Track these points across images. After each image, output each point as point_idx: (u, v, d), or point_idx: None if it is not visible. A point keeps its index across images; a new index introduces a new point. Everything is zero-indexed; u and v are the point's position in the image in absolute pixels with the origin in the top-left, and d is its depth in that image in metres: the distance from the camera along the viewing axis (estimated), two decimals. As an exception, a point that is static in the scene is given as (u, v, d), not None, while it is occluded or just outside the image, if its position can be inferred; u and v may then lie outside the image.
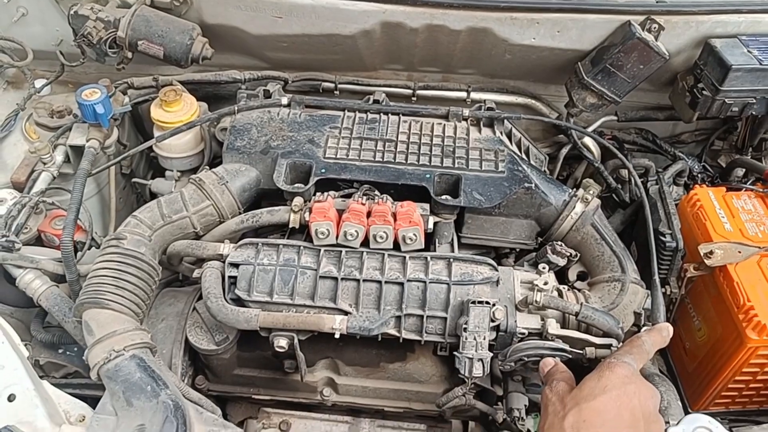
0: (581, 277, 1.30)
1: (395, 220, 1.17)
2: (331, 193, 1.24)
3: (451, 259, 1.17)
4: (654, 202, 1.44)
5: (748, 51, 1.41)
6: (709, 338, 1.37)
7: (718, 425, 1.07)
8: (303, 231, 1.25)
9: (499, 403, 1.26)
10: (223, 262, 1.19)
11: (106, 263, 1.17)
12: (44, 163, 1.44)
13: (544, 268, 1.21)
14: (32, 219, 1.41)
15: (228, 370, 1.30)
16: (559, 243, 1.24)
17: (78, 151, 1.46)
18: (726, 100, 1.42)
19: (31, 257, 1.27)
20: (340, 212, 1.20)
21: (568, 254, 1.24)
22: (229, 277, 1.17)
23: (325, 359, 1.29)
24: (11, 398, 1.10)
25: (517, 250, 1.37)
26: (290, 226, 1.23)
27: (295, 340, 1.14)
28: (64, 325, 1.23)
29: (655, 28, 1.42)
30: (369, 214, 1.18)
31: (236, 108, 1.37)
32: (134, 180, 1.56)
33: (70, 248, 1.25)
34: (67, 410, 1.13)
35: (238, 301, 1.16)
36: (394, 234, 1.17)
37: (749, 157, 1.60)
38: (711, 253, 1.32)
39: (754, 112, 1.45)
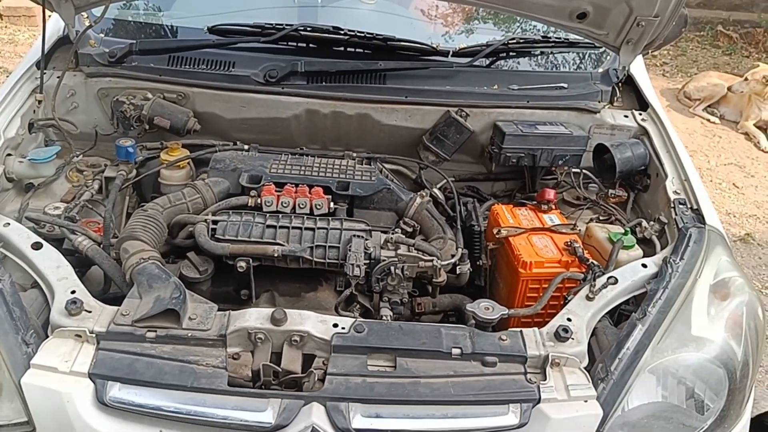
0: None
1: (311, 195, 2.05)
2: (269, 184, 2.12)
3: (343, 219, 2.03)
4: (471, 214, 2.36)
5: (517, 127, 2.45)
6: (506, 289, 2.22)
7: (495, 304, 1.90)
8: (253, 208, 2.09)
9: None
10: (207, 222, 2.00)
11: (136, 221, 1.96)
12: (86, 186, 2.25)
13: (397, 230, 2.08)
14: (75, 221, 2.19)
15: (203, 299, 2.04)
16: (405, 218, 2.13)
17: (109, 180, 2.29)
18: (507, 153, 2.42)
19: (83, 228, 2.04)
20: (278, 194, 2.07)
21: (413, 224, 2.13)
22: (211, 228, 1.98)
23: (265, 293, 2.05)
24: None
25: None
26: (249, 205, 2.08)
27: (251, 263, 1.93)
28: (101, 266, 1.97)
29: (463, 114, 2.46)
30: (296, 193, 2.06)
31: (217, 148, 2.28)
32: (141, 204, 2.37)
33: (109, 223, 2.04)
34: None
35: (217, 241, 1.96)
36: (310, 203, 2.03)
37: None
38: (499, 232, 2.23)
39: (525, 163, 2.45)
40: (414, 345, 1.72)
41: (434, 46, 2.63)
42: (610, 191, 2.45)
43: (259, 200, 2.08)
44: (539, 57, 2.80)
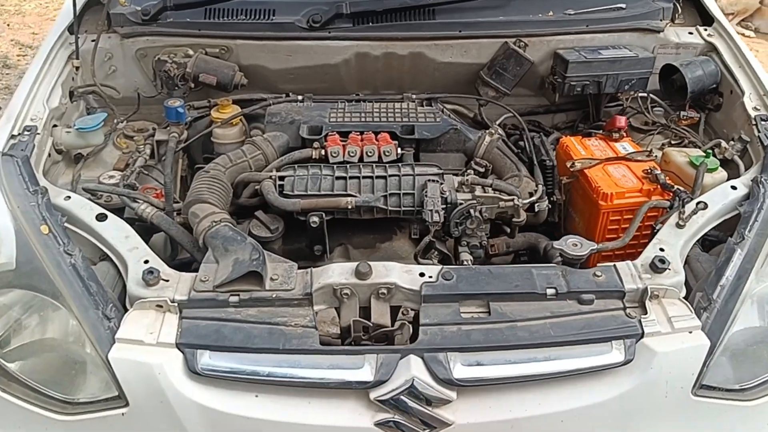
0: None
1: (379, 142, 1.95)
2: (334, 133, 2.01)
3: (413, 165, 1.93)
4: (539, 149, 2.25)
5: (579, 53, 2.31)
6: (583, 223, 2.13)
7: (583, 239, 1.82)
8: (318, 160, 2.00)
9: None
10: (273, 179, 1.91)
11: (200, 183, 1.87)
12: (139, 152, 2.16)
13: (470, 171, 1.98)
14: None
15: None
16: (476, 158, 2.03)
17: (160, 144, 2.20)
18: (571, 82, 2.29)
19: (145, 195, 1.96)
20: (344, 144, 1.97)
21: (485, 164, 2.02)
22: (279, 185, 1.89)
23: (339, 246, 1.98)
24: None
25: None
26: (313, 157, 1.98)
27: (324, 217, 1.85)
28: (168, 232, 1.90)
29: (522, 44, 2.32)
30: (362, 141, 1.96)
31: (269, 101, 2.17)
32: (196, 166, 2.27)
33: (171, 188, 1.96)
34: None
35: (286, 197, 1.88)
36: (378, 151, 1.94)
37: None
38: (573, 165, 2.12)
39: (590, 91, 2.33)
40: (506, 288, 1.65)
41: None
42: (682, 113, 2.32)
43: (323, 152, 1.98)
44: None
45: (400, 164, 1.93)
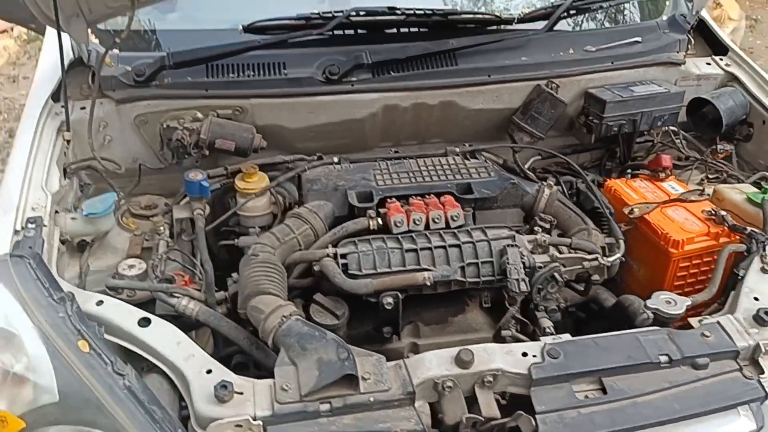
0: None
1: (444, 206, 1.77)
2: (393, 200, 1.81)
3: (484, 228, 1.77)
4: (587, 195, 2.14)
5: (614, 92, 2.23)
6: (646, 272, 2.03)
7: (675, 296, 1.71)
8: (376, 231, 1.79)
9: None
10: (333, 257, 1.70)
11: (254, 270, 1.63)
12: (158, 234, 1.88)
13: (538, 228, 1.84)
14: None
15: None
16: (540, 213, 1.89)
17: (182, 222, 1.93)
18: (608, 123, 2.21)
19: (184, 288, 1.70)
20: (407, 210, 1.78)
21: (549, 220, 1.89)
22: (342, 264, 1.68)
23: (409, 324, 1.78)
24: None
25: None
26: (371, 228, 1.78)
27: (399, 297, 1.65)
28: (219, 330, 1.64)
29: (554, 87, 2.22)
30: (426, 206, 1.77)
31: (306, 166, 1.95)
32: (222, 243, 2.01)
33: (212, 277, 1.70)
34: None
35: (352, 278, 1.66)
36: (444, 216, 1.76)
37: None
38: (631, 211, 2.03)
39: (626, 130, 2.25)
40: (619, 361, 1.52)
41: (497, 14, 2.36)
42: (719, 146, 2.28)
43: (380, 221, 1.78)
44: (597, 13, 2.58)
45: (469, 229, 1.77)
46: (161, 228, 1.89)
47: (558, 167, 2.41)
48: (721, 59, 2.46)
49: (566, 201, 1.98)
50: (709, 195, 2.10)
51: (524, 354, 1.51)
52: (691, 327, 1.68)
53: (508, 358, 1.50)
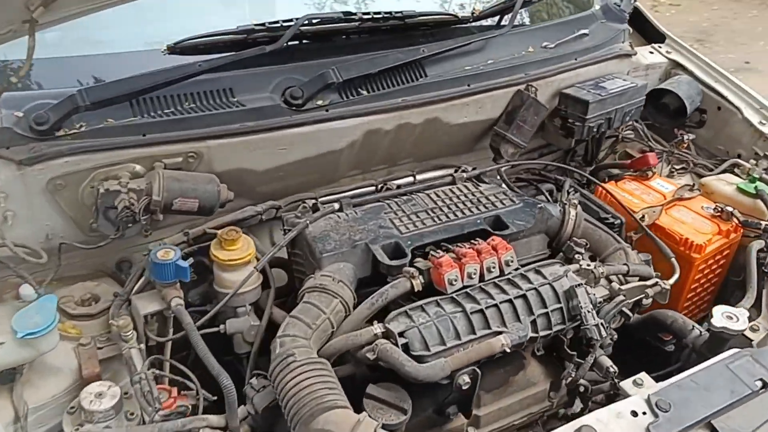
0: (593, 259, 1.75)
1: (496, 250, 1.49)
2: (437, 252, 1.49)
3: (538, 267, 1.53)
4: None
5: (590, 92, 2.08)
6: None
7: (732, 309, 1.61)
8: (420, 293, 1.47)
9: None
10: (385, 336, 1.35)
11: (299, 378, 1.23)
12: (126, 342, 1.38)
13: (579, 256, 1.64)
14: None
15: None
16: (574, 238, 1.69)
17: (152, 317, 1.44)
18: (589, 124, 2.06)
19: (201, 418, 1.24)
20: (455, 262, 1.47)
21: (584, 244, 1.69)
22: (402, 344, 1.34)
23: None
24: None
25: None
26: (415, 290, 1.45)
27: (477, 372, 1.36)
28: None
29: (533, 90, 2.01)
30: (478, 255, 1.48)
31: (306, 222, 1.54)
32: (203, 331, 1.54)
33: (234, 395, 1.27)
34: None
35: (418, 360, 1.33)
36: (499, 263, 1.48)
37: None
38: (642, 218, 1.91)
39: (603, 129, 2.13)
40: (725, 399, 1.39)
41: (454, 14, 2.10)
42: (684, 136, 2.25)
43: (421, 279, 1.45)
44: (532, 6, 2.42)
45: (523, 272, 1.51)
46: (126, 331, 1.38)
47: (528, 174, 2.24)
48: (660, 47, 2.44)
49: (591, 218, 1.79)
50: (699, 190, 2.05)
51: (634, 413, 1.32)
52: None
53: (622, 422, 1.31)
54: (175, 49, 1.75)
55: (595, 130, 2.09)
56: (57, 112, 1.52)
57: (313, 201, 1.77)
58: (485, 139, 2.09)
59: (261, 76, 1.76)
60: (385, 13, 1.95)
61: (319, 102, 1.76)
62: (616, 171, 2.26)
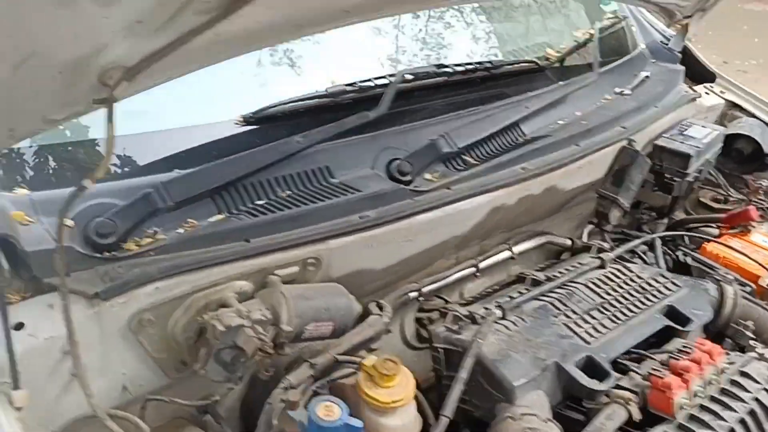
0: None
1: (712, 357, 1.23)
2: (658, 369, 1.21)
3: (742, 370, 1.29)
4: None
5: (682, 143, 1.89)
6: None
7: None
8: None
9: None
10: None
11: None
12: None
13: (754, 342, 1.42)
14: None
15: None
16: (743, 325, 1.47)
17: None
18: (688, 179, 1.87)
19: None
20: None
21: (750, 326, 1.48)
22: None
23: None
24: None
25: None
26: (635, 420, 1.16)
27: None
28: None
29: (635, 144, 1.80)
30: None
31: (478, 340, 1.20)
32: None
33: None
34: None
35: None
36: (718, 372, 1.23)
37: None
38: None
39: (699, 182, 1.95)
40: None
41: (536, 60, 1.86)
42: (762, 182, 2.11)
43: (637, 403, 1.17)
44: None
45: (730, 377, 1.26)
46: None
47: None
48: (711, 87, 2.31)
49: (746, 294, 1.58)
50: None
51: None
52: None
53: None
54: (251, 120, 1.37)
55: (693, 184, 1.91)
56: (127, 217, 1.11)
57: (430, 298, 1.45)
58: (571, 201, 1.84)
59: (355, 148, 1.42)
60: (476, 63, 1.67)
61: (428, 176, 1.44)
62: (694, 224, 2.08)
